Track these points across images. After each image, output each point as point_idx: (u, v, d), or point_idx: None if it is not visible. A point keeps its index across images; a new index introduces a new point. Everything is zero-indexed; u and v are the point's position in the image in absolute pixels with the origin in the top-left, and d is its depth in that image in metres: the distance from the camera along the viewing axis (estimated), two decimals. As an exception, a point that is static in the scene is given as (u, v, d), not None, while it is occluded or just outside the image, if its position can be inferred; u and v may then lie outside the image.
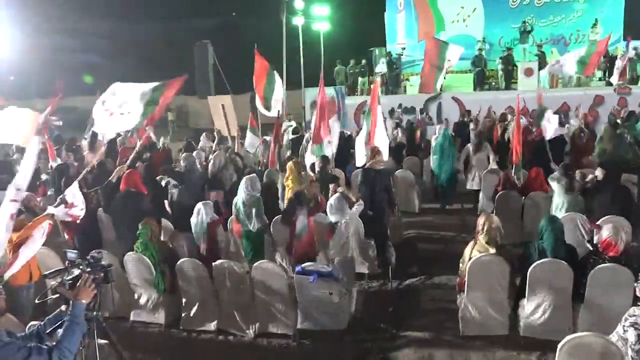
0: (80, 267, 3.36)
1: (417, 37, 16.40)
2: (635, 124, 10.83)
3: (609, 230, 4.75)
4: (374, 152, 7.05)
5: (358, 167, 8.72)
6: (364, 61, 20.09)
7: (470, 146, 9.93)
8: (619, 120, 11.06)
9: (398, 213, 7.85)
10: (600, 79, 17.65)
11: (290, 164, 7.70)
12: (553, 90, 16.35)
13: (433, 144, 10.28)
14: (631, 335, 3.41)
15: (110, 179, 6.69)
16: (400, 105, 15.79)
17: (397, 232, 7.79)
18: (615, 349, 3.38)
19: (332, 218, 5.99)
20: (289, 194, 7.25)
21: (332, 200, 5.71)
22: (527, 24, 18.71)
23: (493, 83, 18.04)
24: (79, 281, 3.13)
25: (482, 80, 17.62)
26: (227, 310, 5.48)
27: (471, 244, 5.05)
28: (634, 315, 3.44)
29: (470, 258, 4.92)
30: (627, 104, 14.12)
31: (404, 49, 19.59)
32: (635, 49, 17.10)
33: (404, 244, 7.89)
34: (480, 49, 18.03)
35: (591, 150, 9.55)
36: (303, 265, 5.19)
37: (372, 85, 9.03)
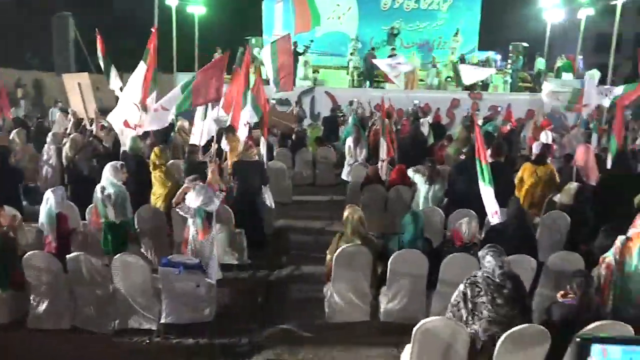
0: None
1: (294, 29, 16.55)
2: (484, 125, 11.98)
3: (462, 222, 5.20)
4: (247, 144, 6.99)
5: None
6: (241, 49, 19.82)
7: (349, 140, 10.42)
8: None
9: (270, 204, 7.85)
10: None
11: (156, 150, 7.22)
12: (409, 91, 17.46)
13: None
14: (470, 290, 3.86)
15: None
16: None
17: (269, 223, 7.82)
18: (463, 330, 3.71)
19: (211, 207, 5.55)
20: (156, 183, 6.89)
21: (199, 190, 5.48)
22: (394, 28, 19.86)
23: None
24: None
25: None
26: (83, 306, 5.07)
27: (338, 234, 5.23)
28: (475, 276, 3.89)
29: (337, 249, 5.09)
30: (478, 108, 15.57)
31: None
32: (487, 58, 18.95)
33: (275, 235, 7.95)
34: (355, 47, 18.73)
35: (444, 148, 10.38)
36: (169, 257, 4.98)
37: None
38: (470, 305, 3.85)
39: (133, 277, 4.92)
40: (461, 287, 3.96)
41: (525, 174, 7.35)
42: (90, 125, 9.59)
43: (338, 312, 5.24)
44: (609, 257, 4.41)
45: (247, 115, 8.40)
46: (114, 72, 8.98)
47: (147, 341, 4.96)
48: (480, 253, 4.03)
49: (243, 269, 6.57)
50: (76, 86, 9.99)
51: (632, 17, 25.91)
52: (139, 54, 8.11)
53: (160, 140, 8.77)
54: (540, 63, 19.08)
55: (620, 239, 4.35)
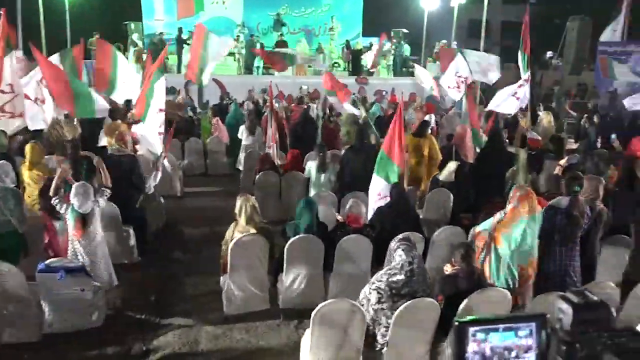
0: None
1: (176, 14, 15.91)
2: (370, 109, 12.43)
3: (351, 205, 5.33)
4: (120, 136, 6.57)
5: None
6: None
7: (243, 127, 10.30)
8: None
9: (159, 197, 7.52)
10: (344, 69, 19.72)
11: (30, 147, 6.55)
12: (299, 77, 17.63)
13: None
14: (373, 296, 3.92)
15: None
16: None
17: (159, 217, 7.50)
18: (358, 309, 3.82)
19: (84, 207, 5.06)
20: (32, 183, 6.26)
21: (74, 188, 5.06)
22: (280, 14, 19.89)
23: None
24: None
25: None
26: (-53, 324, 4.53)
27: (232, 225, 5.13)
28: (380, 281, 3.94)
29: (232, 239, 4.99)
30: (365, 93, 16.05)
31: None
32: (371, 44, 19.55)
33: (166, 229, 7.65)
34: (241, 33, 18.42)
35: (338, 132, 10.63)
36: (47, 262, 4.58)
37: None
38: (372, 313, 3.93)
39: (6, 287, 4.46)
40: (367, 289, 4.01)
41: (409, 147, 7.77)
42: None
43: (237, 302, 5.16)
44: (484, 230, 4.75)
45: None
46: None
47: (26, 357, 4.55)
48: (391, 245, 4.08)
49: (134, 268, 6.24)
50: None
51: (498, 5, 28.07)
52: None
53: (31, 136, 8.00)
54: (405, 50, 20.10)
55: (497, 215, 4.68)
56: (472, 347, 0.99)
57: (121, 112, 9.02)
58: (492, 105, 9.73)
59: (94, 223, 5.11)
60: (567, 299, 1.08)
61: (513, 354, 1.00)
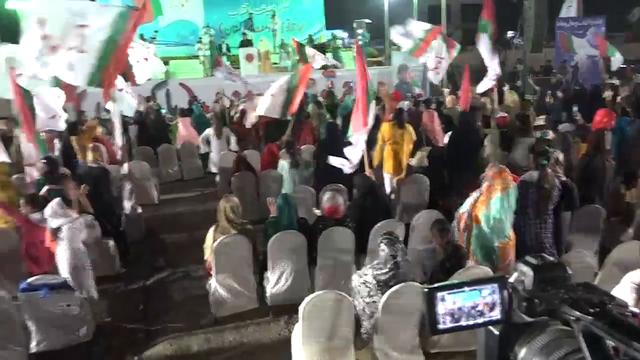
0: None
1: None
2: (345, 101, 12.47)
3: (329, 197, 5.38)
4: (95, 148, 6.52)
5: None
6: None
7: (210, 130, 10.27)
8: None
9: (136, 207, 7.46)
10: (310, 64, 19.70)
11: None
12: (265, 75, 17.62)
13: None
14: (363, 290, 3.98)
15: None
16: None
17: (138, 227, 7.45)
18: (346, 299, 3.89)
19: (53, 223, 5.03)
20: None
21: (52, 204, 5.01)
22: (252, 15, 19.95)
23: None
24: None
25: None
26: None
27: (213, 227, 5.13)
28: (367, 275, 4.00)
29: (214, 241, 5.00)
30: (333, 86, 16.09)
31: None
32: (333, 36, 19.61)
33: (146, 238, 7.59)
34: (206, 35, 18.26)
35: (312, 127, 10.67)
36: (28, 280, 4.52)
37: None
38: (363, 304, 3.99)
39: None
40: (356, 280, 4.05)
41: (386, 136, 7.81)
42: None
43: (224, 304, 5.17)
44: (464, 210, 4.86)
45: None
46: None
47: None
48: (377, 239, 4.15)
49: (118, 279, 6.19)
50: None
51: (457, -11, 28.43)
52: None
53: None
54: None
55: (474, 194, 4.79)
56: (441, 309, 1.11)
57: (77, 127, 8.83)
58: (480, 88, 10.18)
59: (70, 238, 5.05)
60: (527, 262, 1.20)
61: (479, 311, 1.13)
